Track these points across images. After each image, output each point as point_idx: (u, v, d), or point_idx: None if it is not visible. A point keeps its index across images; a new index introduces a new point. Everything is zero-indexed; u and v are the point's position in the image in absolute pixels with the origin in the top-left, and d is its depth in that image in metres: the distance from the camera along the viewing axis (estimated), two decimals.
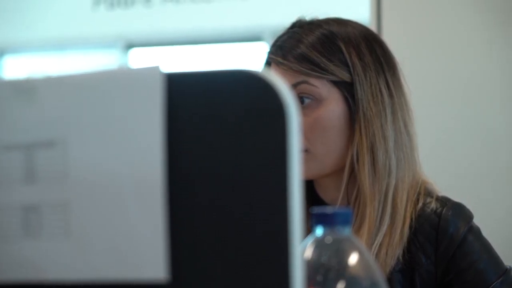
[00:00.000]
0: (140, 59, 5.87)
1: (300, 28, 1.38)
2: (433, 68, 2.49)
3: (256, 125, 0.65)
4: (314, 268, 0.79)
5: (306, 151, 1.33)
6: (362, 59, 1.34)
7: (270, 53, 1.38)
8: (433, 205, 1.36)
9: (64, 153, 0.67)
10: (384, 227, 1.31)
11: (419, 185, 1.37)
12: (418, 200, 1.36)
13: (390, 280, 1.32)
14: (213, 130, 0.66)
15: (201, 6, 5.61)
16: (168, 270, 0.66)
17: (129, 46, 5.87)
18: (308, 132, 1.33)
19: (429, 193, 1.37)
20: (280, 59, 1.35)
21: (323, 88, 1.33)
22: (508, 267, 1.36)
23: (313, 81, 1.33)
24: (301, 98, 1.34)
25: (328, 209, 0.80)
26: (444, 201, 1.36)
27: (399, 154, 1.35)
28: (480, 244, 1.35)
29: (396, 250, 1.32)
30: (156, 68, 0.66)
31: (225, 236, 0.65)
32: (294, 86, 1.33)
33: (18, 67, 5.99)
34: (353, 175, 1.35)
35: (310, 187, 1.42)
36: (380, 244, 1.31)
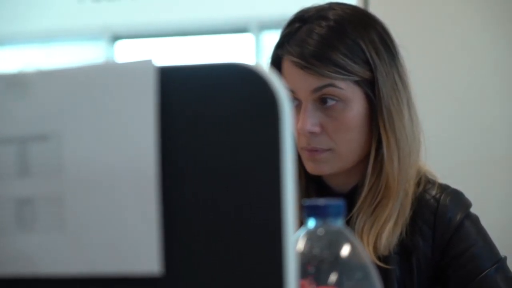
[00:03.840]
0: (126, 51, 5.85)
1: (316, 25, 1.34)
2: (426, 60, 2.49)
3: (249, 118, 0.65)
4: (306, 260, 0.79)
5: (330, 149, 1.34)
6: (379, 55, 1.34)
7: (288, 53, 1.34)
8: (433, 190, 1.38)
9: (58, 146, 0.67)
10: (398, 208, 1.34)
11: (420, 169, 1.40)
12: (419, 183, 1.38)
13: (388, 262, 1.33)
14: (206, 123, 0.66)
15: None
16: (162, 264, 0.66)
17: (115, 38, 5.85)
18: (333, 133, 1.33)
19: (429, 179, 1.40)
20: (303, 63, 1.31)
21: (348, 89, 1.33)
22: (503, 256, 1.38)
23: (339, 83, 1.32)
24: (323, 99, 1.33)
25: (320, 201, 0.81)
26: (444, 188, 1.39)
27: (413, 141, 1.37)
28: (477, 231, 1.37)
29: (400, 228, 1.35)
30: (149, 61, 0.66)
31: (218, 229, 0.65)
32: (319, 88, 1.32)
33: (4, 60, 5.95)
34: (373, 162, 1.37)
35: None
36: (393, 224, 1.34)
